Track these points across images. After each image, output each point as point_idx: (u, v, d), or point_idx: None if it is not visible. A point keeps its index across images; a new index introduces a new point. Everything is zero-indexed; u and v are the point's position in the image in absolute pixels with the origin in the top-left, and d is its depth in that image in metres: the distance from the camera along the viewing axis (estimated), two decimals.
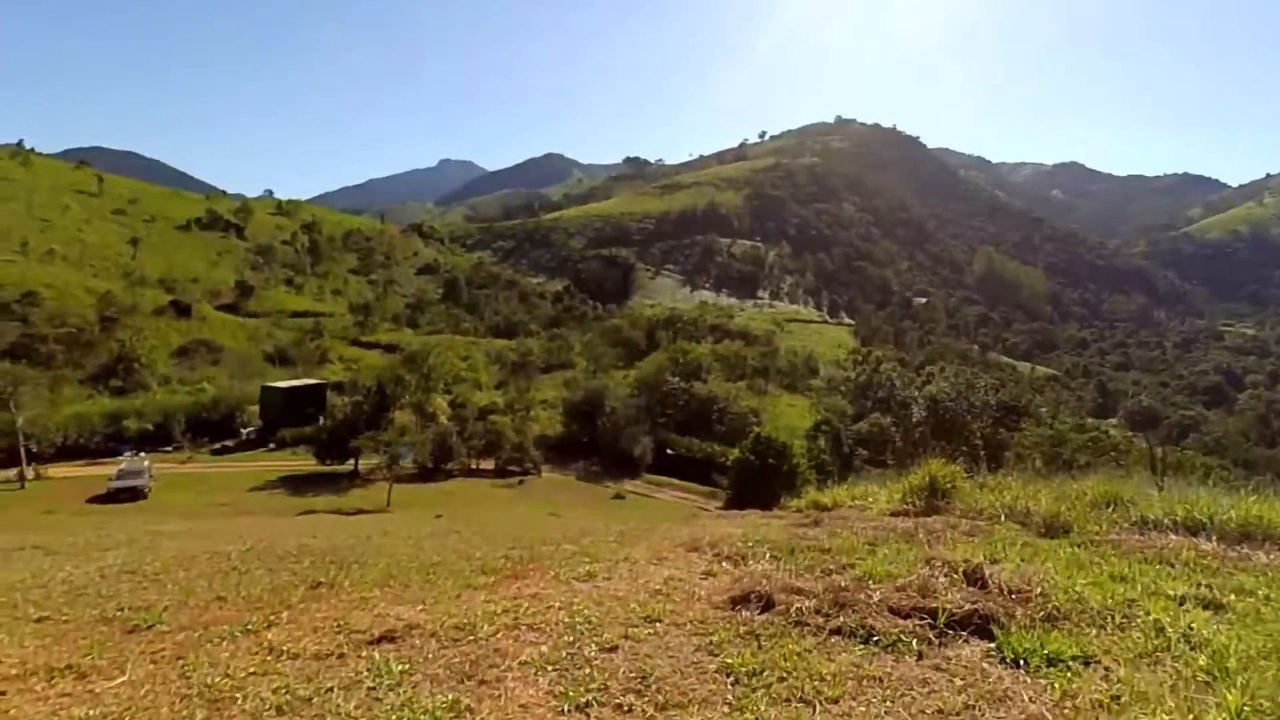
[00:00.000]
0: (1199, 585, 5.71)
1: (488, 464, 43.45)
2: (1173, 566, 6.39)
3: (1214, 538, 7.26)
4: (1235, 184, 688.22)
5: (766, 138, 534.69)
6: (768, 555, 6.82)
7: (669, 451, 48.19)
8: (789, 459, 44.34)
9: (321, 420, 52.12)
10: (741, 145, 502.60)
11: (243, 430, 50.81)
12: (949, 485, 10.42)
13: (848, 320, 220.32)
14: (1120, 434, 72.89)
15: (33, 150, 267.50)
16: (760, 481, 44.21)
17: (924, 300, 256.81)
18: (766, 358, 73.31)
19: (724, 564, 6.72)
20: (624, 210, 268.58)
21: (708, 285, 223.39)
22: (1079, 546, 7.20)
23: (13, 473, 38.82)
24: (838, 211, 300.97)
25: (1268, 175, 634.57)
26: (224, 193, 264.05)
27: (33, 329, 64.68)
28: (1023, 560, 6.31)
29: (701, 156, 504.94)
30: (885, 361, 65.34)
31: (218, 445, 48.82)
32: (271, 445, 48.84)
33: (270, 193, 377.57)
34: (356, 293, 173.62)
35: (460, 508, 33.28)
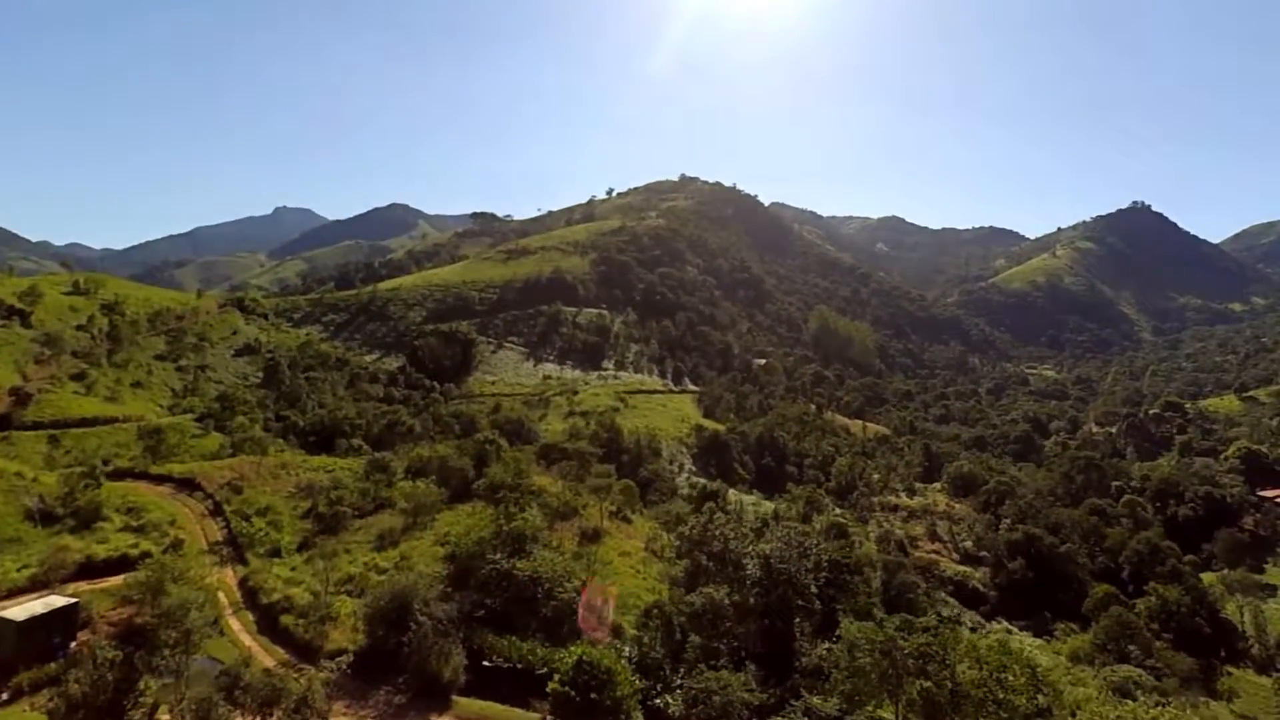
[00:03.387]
0: None
1: None
2: None
3: None
4: (1033, 236, 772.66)
5: (614, 195, 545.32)
6: None
7: (485, 664, 44.02)
8: (612, 689, 41.65)
9: (72, 646, 44.00)
10: (590, 202, 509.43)
11: None
12: None
13: (692, 387, 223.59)
14: (945, 613, 74.08)
15: None
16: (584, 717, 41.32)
17: (763, 362, 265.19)
18: (600, 493, 70.57)
19: None
20: (467, 278, 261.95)
21: (552, 357, 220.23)
22: None
23: None
24: (682, 275, 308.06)
25: (1059, 229, 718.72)
26: (10, 267, 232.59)
27: None
28: None
29: (551, 213, 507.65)
30: (717, 513, 64.13)
31: None
32: (4, 696, 40.24)
33: (69, 262, 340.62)
34: (161, 383, 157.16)
35: None
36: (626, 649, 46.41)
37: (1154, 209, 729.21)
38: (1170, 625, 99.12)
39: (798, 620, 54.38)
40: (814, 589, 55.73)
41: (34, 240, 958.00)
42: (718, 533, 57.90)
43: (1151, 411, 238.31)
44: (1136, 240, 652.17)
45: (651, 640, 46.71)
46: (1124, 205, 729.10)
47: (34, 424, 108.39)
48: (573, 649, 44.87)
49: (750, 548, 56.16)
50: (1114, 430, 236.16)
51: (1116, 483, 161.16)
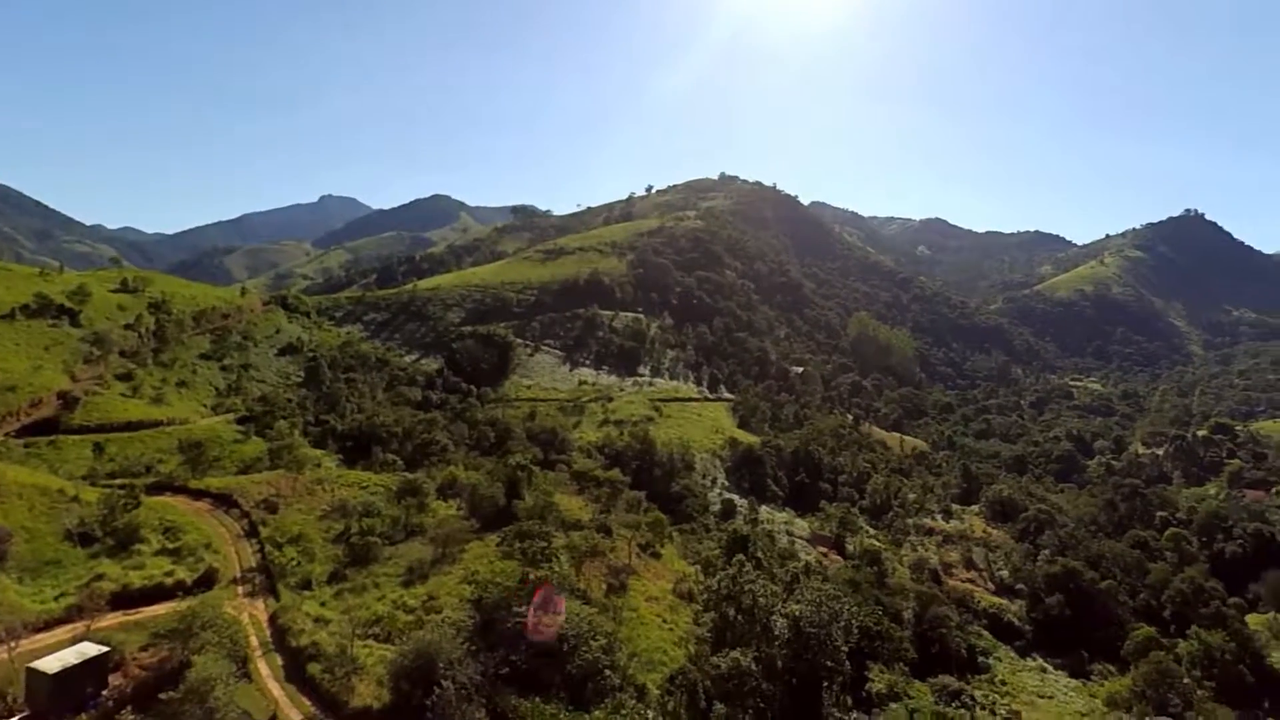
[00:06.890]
0: None
1: None
2: None
3: None
4: (1080, 242, 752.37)
5: (654, 192, 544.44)
6: None
7: None
8: None
9: (103, 694, 44.83)
10: (629, 199, 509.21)
11: None
12: None
13: (727, 395, 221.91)
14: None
15: None
16: None
17: (800, 370, 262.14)
18: (629, 528, 69.91)
19: None
20: (505, 279, 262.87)
21: (588, 362, 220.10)
22: None
23: None
24: (719, 278, 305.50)
25: (1107, 235, 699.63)
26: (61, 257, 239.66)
27: None
28: None
29: (590, 209, 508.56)
30: (746, 565, 62.95)
31: None
32: None
33: (117, 257, 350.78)
34: (206, 383, 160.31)
35: None
36: (650, 714, 45.98)
37: (1208, 217, 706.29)
38: (1212, 673, 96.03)
39: (826, 685, 53.44)
40: (845, 650, 54.67)
41: (89, 224, 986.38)
42: (747, 587, 57.03)
43: (1200, 433, 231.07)
44: (1189, 250, 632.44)
45: (676, 707, 46.20)
46: (1176, 213, 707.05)
47: (80, 428, 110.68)
48: (596, 715, 44.67)
49: (780, 605, 55.25)
50: (1160, 452, 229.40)
51: (1161, 513, 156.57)
